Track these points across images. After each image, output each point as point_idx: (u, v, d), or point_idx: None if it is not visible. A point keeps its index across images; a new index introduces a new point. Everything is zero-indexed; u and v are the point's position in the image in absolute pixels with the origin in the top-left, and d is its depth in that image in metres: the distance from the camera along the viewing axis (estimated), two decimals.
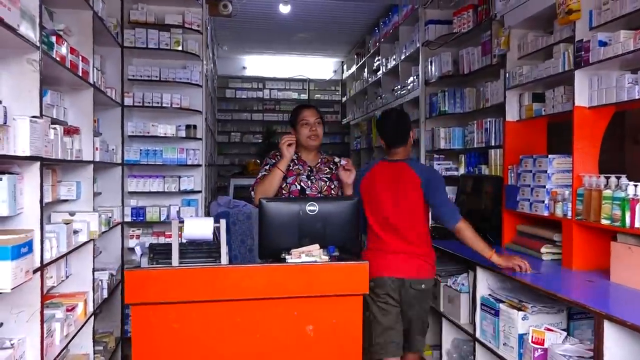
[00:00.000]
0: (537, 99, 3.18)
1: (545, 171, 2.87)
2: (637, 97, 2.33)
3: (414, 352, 2.71)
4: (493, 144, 3.61)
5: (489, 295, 2.79)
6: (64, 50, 2.37)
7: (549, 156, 2.87)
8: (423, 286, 2.59)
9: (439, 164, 4.46)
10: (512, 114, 3.32)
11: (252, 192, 2.67)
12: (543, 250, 2.87)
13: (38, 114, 1.98)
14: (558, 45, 2.87)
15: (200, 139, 4.57)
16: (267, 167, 2.70)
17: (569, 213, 2.65)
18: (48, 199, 2.42)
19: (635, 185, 2.24)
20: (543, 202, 2.87)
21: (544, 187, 2.87)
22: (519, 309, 2.49)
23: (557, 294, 2.17)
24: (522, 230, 3.19)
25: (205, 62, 4.75)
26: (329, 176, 2.72)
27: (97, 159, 3.05)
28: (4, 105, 1.72)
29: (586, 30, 2.64)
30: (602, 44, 2.49)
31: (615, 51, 2.39)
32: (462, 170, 4.11)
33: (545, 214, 2.85)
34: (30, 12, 1.92)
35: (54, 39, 2.25)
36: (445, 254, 3.53)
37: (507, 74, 3.33)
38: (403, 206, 2.59)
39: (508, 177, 3.28)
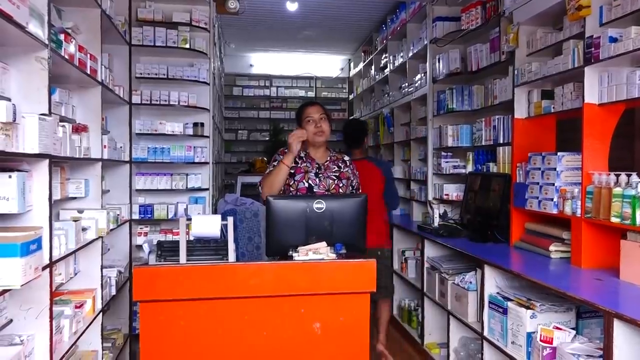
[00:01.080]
0: (546, 96, 3.15)
1: (555, 169, 2.85)
2: None
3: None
4: (501, 142, 3.59)
5: (497, 293, 2.77)
6: (72, 48, 2.38)
7: (558, 153, 2.85)
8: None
9: (446, 162, 4.44)
10: (520, 111, 3.30)
11: (260, 187, 2.68)
12: (552, 248, 2.85)
13: (47, 112, 1.99)
14: (568, 41, 2.85)
15: (208, 136, 4.58)
16: (274, 164, 2.70)
17: (578, 211, 2.63)
18: (57, 196, 2.44)
19: None
20: (552, 199, 2.85)
21: (553, 184, 2.85)
22: (528, 307, 2.47)
23: (566, 293, 2.16)
24: (530, 229, 3.17)
25: (212, 60, 4.75)
26: (337, 174, 2.72)
27: (106, 157, 3.07)
28: (13, 103, 1.72)
29: (596, 26, 2.61)
30: (613, 40, 2.47)
31: (626, 47, 2.36)
32: (470, 168, 4.09)
33: (554, 212, 2.84)
34: (39, 10, 1.92)
35: (62, 37, 2.26)
36: (452, 251, 3.52)
37: (515, 71, 3.30)
38: (371, 194, 2.95)
39: (516, 174, 3.26)
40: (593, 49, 2.57)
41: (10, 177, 1.71)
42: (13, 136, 1.71)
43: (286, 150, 2.70)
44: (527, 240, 3.13)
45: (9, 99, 1.87)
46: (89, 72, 2.65)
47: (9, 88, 1.92)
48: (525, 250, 3.09)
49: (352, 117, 4.40)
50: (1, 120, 1.60)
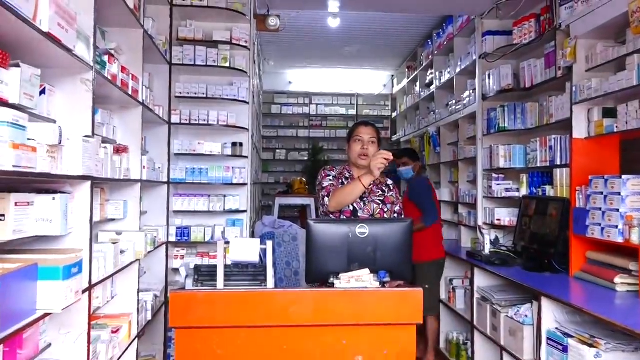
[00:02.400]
0: (608, 114, 3.07)
1: (619, 193, 2.75)
2: None
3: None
4: (559, 163, 3.50)
5: (556, 329, 2.67)
6: (115, 69, 2.51)
7: (623, 177, 2.75)
8: None
9: (498, 184, 4.36)
10: (579, 131, 3.22)
11: (324, 200, 2.65)
12: (617, 280, 2.74)
13: (90, 133, 2.09)
14: (632, 56, 2.78)
15: (247, 157, 4.67)
16: (330, 178, 2.71)
17: None
18: (96, 218, 2.53)
19: None
20: (616, 227, 2.74)
21: (618, 210, 2.75)
22: (591, 346, 2.37)
23: (634, 330, 2.06)
24: (592, 258, 3.06)
25: (252, 78, 4.88)
26: (381, 199, 2.72)
27: (145, 178, 3.17)
28: (59, 125, 1.83)
29: None
30: None
31: None
32: (524, 191, 4.00)
33: (619, 240, 2.73)
34: (85, 32, 2.04)
35: (106, 58, 2.38)
36: (505, 281, 3.43)
37: (574, 88, 3.24)
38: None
39: (576, 199, 3.17)
40: None
41: (54, 199, 1.80)
42: (58, 158, 1.80)
43: (336, 167, 2.76)
44: (589, 270, 3.02)
45: (54, 121, 1.98)
46: (130, 92, 2.78)
47: (55, 110, 2.04)
48: (587, 282, 2.98)
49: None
50: (48, 143, 1.69)
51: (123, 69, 2.67)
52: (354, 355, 2.08)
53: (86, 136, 2.02)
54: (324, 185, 2.70)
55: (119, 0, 2.59)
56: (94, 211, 2.18)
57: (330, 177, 2.72)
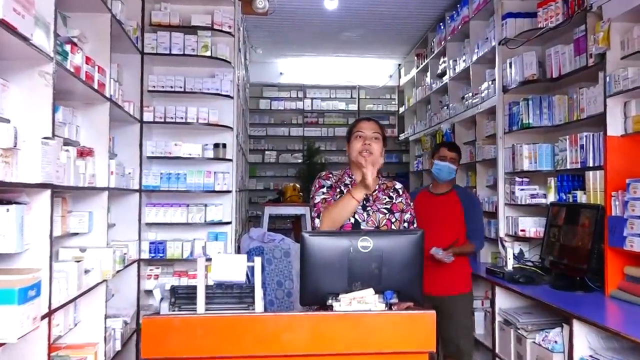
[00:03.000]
0: None
1: None
2: None
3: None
4: (591, 165, 3.52)
5: (590, 356, 2.69)
6: (78, 59, 2.52)
7: None
8: None
9: (522, 189, 4.37)
10: (615, 127, 3.24)
11: (315, 222, 2.66)
12: None
13: (50, 134, 2.10)
14: None
15: (231, 160, 4.68)
16: (324, 190, 2.70)
17: None
18: (57, 232, 2.54)
19: None
20: None
21: None
22: None
23: None
24: (631, 274, 3.07)
25: (237, 69, 4.90)
26: (388, 207, 2.70)
27: (113, 185, 3.18)
28: (14, 125, 1.83)
29: None
30: None
31: None
32: (551, 198, 4.01)
33: None
34: (44, 19, 2.05)
35: (68, 47, 2.39)
36: (531, 302, 3.45)
37: (607, 78, 3.26)
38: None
39: (612, 206, 3.18)
40: None
41: (7, 210, 1.80)
42: (12, 163, 1.81)
43: (331, 175, 2.74)
44: (628, 288, 3.03)
45: (8, 120, 1.99)
46: (96, 86, 2.79)
47: (9, 107, 2.04)
48: (625, 302, 2.99)
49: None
50: (1, 146, 1.70)
51: (87, 60, 2.68)
52: None
53: (45, 138, 2.03)
54: (315, 202, 2.69)
55: None
56: (54, 224, 2.18)
57: (324, 189, 2.70)
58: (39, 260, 2.08)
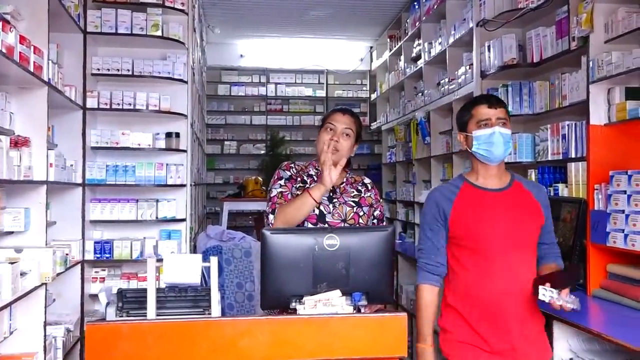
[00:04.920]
0: (632, 95, 3.17)
1: None
2: None
3: None
4: (573, 156, 3.59)
5: (571, 359, 2.75)
6: (11, 39, 2.46)
7: None
8: None
9: None
10: (598, 116, 3.31)
11: (269, 218, 2.67)
12: None
13: None
14: None
15: (185, 150, 4.65)
16: (282, 182, 2.71)
17: None
18: None
19: None
20: None
21: None
22: None
23: None
24: (614, 272, 3.15)
25: (191, 51, 4.85)
26: (356, 200, 2.73)
27: (52, 179, 3.13)
28: None
29: None
30: None
31: None
32: None
33: None
34: None
35: (0, 25, 2.34)
36: None
37: (590, 63, 3.33)
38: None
39: (594, 199, 3.26)
40: None
41: None
42: None
43: (292, 166, 2.74)
44: (611, 287, 3.12)
45: None
46: (32, 69, 2.73)
47: None
48: (607, 301, 3.07)
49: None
50: None
51: (22, 39, 2.62)
52: None
53: None
54: (271, 195, 2.70)
55: None
56: None
57: (282, 181, 2.72)
58: None
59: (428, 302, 2.38)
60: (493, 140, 2.34)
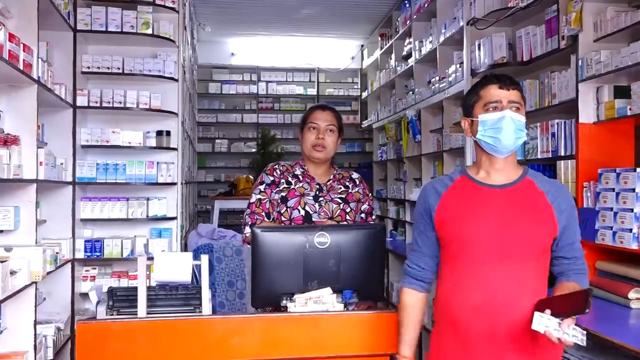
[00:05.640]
0: (620, 93, 3.19)
1: (633, 189, 2.87)
2: None
3: None
4: (562, 154, 3.61)
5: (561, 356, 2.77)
6: (0, 37, 2.45)
7: (638, 169, 2.87)
8: None
9: None
10: (587, 114, 3.33)
11: (245, 228, 2.72)
12: (632, 295, 2.86)
13: None
14: None
15: (176, 149, 4.63)
16: (261, 188, 2.74)
17: None
18: None
19: None
20: (630, 230, 2.86)
21: (632, 210, 2.87)
22: None
23: None
24: (603, 269, 3.18)
25: (182, 49, 4.84)
26: (343, 196, 2.74)
27: (42, 177, 3.11)
28: None
29: None
30: None
31: None
32: None
33: (634, 246, 2.85)
34: None
35: None
36: None
37: (579, 61, 3.35)
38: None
39: (583, 197, 3.28)
40: None
41: None
42: None
43: (277, 168, 2.76)
44: (599, 284, 3.13)
45: None
46: (21, 67, 2.72)
47: None
48: (596, 298, 3.09)
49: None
50: None
51: (11, 37, 2.60)
52: None
53: None
54: (250, 202, 2.75)
55: None
56: None
57: (262, 187, 2.75)
58: None
59: (406, 305, 2.05)
60: (502, 125, 1.90)
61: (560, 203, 1.93)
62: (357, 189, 2.80)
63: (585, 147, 3.32)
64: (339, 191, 2.76)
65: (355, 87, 10.67)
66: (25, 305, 2.89)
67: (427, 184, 2.14)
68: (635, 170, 2.89)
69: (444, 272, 2.00)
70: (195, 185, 8.56)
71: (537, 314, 1.67)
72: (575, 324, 1.64)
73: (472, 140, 2.06)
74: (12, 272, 2.65)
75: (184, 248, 4.83)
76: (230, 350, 2.08)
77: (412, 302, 2.05)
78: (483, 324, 1.85)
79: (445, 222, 1.96)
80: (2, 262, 2.53)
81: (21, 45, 2.74)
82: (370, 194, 2.88)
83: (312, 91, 10.65)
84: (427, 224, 2.02)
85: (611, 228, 3.00)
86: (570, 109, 3.51)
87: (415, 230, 2.08)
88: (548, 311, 1.67)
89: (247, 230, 2.69)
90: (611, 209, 3.01)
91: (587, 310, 1.62)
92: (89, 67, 4.36)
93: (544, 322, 1.66)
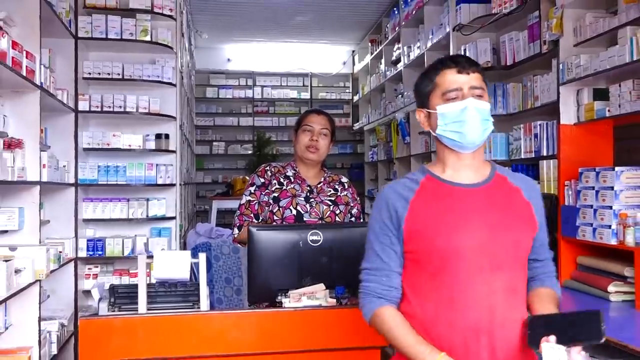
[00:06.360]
0: (599, 96, 3.21)
1: (612, 188, 2.89)
2: None
3: None
4: (545, 154, 3.63)
5: None
6: (4, 44, 2.44)
7: (617, 169, 2.89)
8: None
9: None
10: (568, 116, 3.35)
11: (234, 229, 2.74)
12: (611, 288, 2.87)
13: None
14: (624, 28, 2.92)
15: (174, 151, 4.63)
16: (252, 190, 2.74)
17: None
18: None
19: None
20: (609, 227, 2.88)
21: (611, 208, 2.89)
22: None
23: (628, 345, 2.18)
24: (584, 264, 3.20)
25: (180, 55, 4.83)
26: (332, 199, 2.75)
27: (45, 179, 3.10)
28: None
29: None
30: None
31: None
32: None
33: (613, 242, 2.86)
34: None
35: None
36: None
37: (560, 65, 3.37)
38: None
39: (565, 195, 3.30)
40: None
41: None
42: None
43: (268, 169, 2.77)
44: (580, 278, 3.16)
45: None
46: (24, 73, 2.71)
47: None
48: (577, 291, 3.11)
49: None
50: None
51: (14, 45, 2.60)
52: None
53: None
54: (240, 203, 2.76)
55: None
56: None
57: (253, 188, 2.75)
58: None
59: (399, 320, 1.55)
60: (465, 117, 1.55)
61: (535, 199, 1.67)
62: (345, 192, 2.81)
63: (567, 147, 3.34)
64: (329, 194, 2.77)
65: (347, 91, 10.68)
66: (29, 303, 2.88)
67: (385, 188, 1.67)
68: (613, 170, 2.91)
69: (421, 290, 1.57)
70: (193, 186, 8.55)
71: (546, 345, 1.39)
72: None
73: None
74: (17, 271, 2.64)
75: (183, 247, 4.83)
76: (227, 344, 2.08)
77: (397, 315, 1.57)
78: (483, 347, 1.50)
79: (419, 233, 1.55)
80: (7, 261, 2.52)
81: (24, 52, 2.73)
82: (358, 198, 2.89)
83: (305, 95, 10.64)
84: (393, 236, 1.59)
85: (591, 225, 3.02)
86: (552, 110, 3.53)
87: (376, 244, 1.62)
88: (553, 338, 1.40)
89: (236, 231, 2.73)
90: (591, 206, 3.03)
91: (603, 340, 1.39)
92: (90, 73, 4.35)
93: (554, 354, 1.37)
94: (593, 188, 3.03)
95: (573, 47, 3.36)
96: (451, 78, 1.58)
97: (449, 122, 1.57)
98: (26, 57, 2.75)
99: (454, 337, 1.48)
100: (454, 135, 1.57)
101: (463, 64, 1.59)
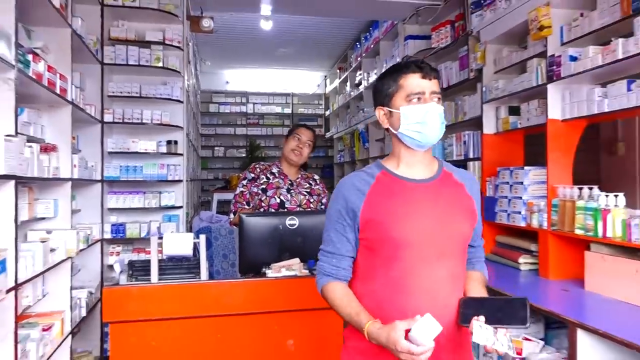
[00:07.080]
0: (513, 112, 3.25)
1: (522, 182, 2.93)
2: (606, 110, 2.41)
3: None
4: (472, 157, 3.67)
5: None
6: (41, 68, 2.38)
7: (525, 168, 2.93)
8: None
9: None
10: (489, 127, 3.39)
11: (230, 214, 2.74)
12: (521, 260, 2.92)
13: (13, 132, 1.97)
14: (531, 60, 2.96)
15: (182, 154, 4.57)
16: (244, 182, 2.75)
17: (545, 223, 2.71)
18: (24, 217, 2.41)
19: (607, 196, 2.30)
20: (520, 213, 2.92)
21: (521, 198, 2.93)
22: None
23: (533, 304, 2.21)
24: (500, 241, 3.24)
25: (186, 78, 4.76)
26: (308, 190, 2.80)
27: (76, 176, 3.04)
28: None
29: (557, 45, 2.73)
30: (573, 59, 2.58)
31: (585, 66, 2.47)
32: None
33: (522, 224, 2.91)
34: (5, 31, 1.92)
35: (30, 57, 2.25)
36: None
37: (484, 88, 3.40)
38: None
39: (486, 188, 3.34)
40: (555, 67, 2.68)
41: None
42: None
43: (257, 167, 2.78)
44: (498, 252, 3.20)
45: None
46: (58, 91, 2.64)
47: None
48: (496, 263, 3.16)
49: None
50: None
51: (49, 68, 2.53)
52: (286, 339, 2.11)
53: (8, 135, 1.91)
54: (235, 193, 2.80)
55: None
56: (21, 210, 2.07)
57: (245, 182, 2.78)
58: (5, 241, 1.96)
59: (342, 293, 1.43)
60: (427, 119, 1.41)
61: (476, 194, 1.53)
62: (317, 186, 2.88)
63: (488, 152, 3.39)
64: (305, 187, 2.81)
65: (320, 107, 10.66)
66: (62, 275, 2.82)
67: (343, 181, 1.50)
68: (523, 169, 2.95)
69: (373, 275, 1.42)
70: (199, 182, 8.45)
71: (476, 324, 1.28)
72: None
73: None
74: (52, 250, 2.58)
75: (189, 230, 4.77)
76: (222, 307, 2.07)
77: (345, 288, 1.45)
78: None
79: (374, 222, 1.40)
80: (43, 242, 2.47)
81: (57, 74, 2.66)
82: (327, 191, 2.92)
83: (287, 110, 10.60)
84: (348, 225, 1.43)
85: (506, 211, 3.07)
86: (477, 123, 3.57)
87: (332, 231, 1.47)
88: (482, 318, 1.29)
89: (232, 215, 2.74)
90: (506, 197, 3.08)
91: (528, 325, 1.29)
92: (113, 92, 4.26)
93: (483, 333, 1.27)
94: (508, 183, 3.07)
95: (493, 74, 3.40)
96: (416, 82, 1.43)
97: (412, 123, 1.42)
98: (60, 79, 2.68)
99: (401, 317, 1.29)
100: (415, 135, 1.42)
101: (427, 70, 1.44)
